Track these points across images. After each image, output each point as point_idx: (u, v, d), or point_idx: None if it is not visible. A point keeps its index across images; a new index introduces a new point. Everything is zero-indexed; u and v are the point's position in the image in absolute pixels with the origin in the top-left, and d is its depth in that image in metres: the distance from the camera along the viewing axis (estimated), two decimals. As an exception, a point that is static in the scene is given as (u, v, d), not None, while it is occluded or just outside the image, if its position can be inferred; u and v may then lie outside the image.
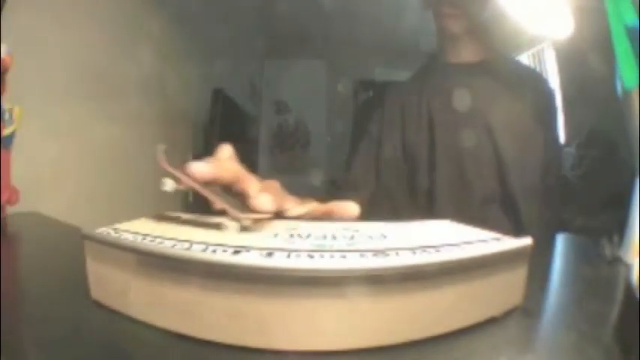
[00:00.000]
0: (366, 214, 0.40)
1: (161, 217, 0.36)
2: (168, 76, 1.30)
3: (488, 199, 0.65)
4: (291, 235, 0.28)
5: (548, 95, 0.75)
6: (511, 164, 0.64)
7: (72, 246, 0.44)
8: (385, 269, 0.22)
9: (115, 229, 0.28)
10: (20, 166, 0.64)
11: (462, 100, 0.67)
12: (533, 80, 0.76)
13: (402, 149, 0.71)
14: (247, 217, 0.30)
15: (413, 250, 0.24)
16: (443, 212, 0.62)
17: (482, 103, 0.67)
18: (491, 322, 0.25)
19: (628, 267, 0.36)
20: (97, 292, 0.27)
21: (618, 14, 0.37)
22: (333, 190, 0.75)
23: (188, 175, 0.34)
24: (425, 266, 0.22)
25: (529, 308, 0.27)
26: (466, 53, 0.73)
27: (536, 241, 0.27)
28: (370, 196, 0.69)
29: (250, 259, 0.22)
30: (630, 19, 0.37)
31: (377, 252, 0.23)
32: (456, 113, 0.67)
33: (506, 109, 0.67)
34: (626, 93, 0.37)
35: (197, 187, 0.34)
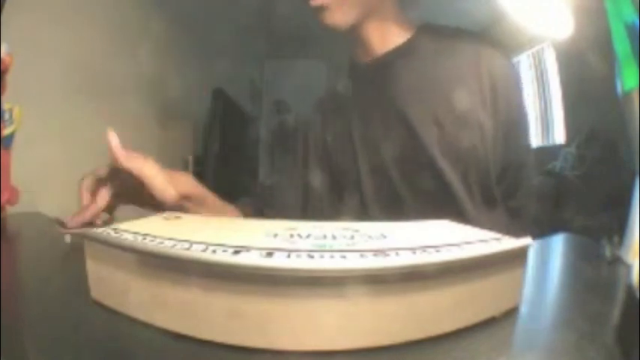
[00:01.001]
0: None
1: (161, 217, 0.36)
2: (169, 76, 1.30)
3: (425, 204, 0.56)
4: (291, 235, 0.28)
5: (507, 82, 0.58)
6: (445, 165, 0.54)
7: (72, 246, 0.44)
8: (385, 269, 0.22)
9: (115, 229, 0.28)
10: (20, 166, 0.64)
11: (374, 104, 0.59)
12: (476, 57, 0.57)
13: (326, 170, 0.63)
14: None
15: (413, 250, 0.24)
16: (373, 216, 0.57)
17: (397, 99, 0.57)
18: (491, 322, 0.25)
19: (628, 267, 0.36)
20: (97, 292, 0.27)
21: (618, 12, 0.37)
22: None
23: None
24: (425, 266, 0.22)
25: (529, 308, 0.27)
26: (376, 43, 0.59)
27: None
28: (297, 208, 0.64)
29: (250, 259, 0.22)
30: (630, 16, 0.37)
31: (377, 252, 0.23)
32: (373, 120, 0.59)
33: (433, 100, 0.56)
34: (626, 93, 0.37)
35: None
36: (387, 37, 0.59)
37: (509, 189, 0.58)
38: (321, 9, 0.54)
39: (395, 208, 0.57)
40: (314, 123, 0.67)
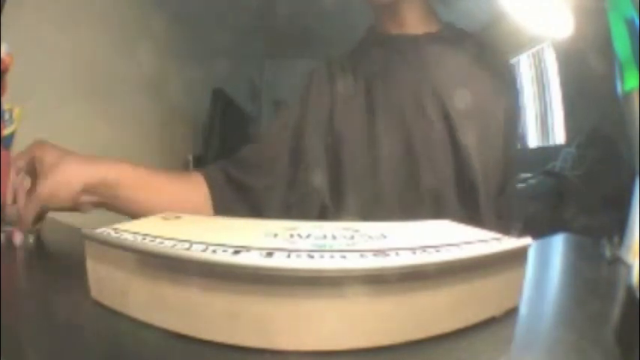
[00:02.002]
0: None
1: (161, 217, 0.36)
2: (169, 76, 1.30)
3: (441, 194, 0.55)
4: (291, 235, 0.28)
5: (511, 85, 0.64)
6: (472, 153, 0.55)
7: (72, 246, 0.44)
8: (385, 269, 0.22)
9: (115, 229, 0.28)
10: (20, 166, 0.64)
11: (406, 78, 0.59)
12: (496, 63, 0.64)
13: (327, 138, 0.58)
14: None
15: (413, 250, 0.24)
16: (387, 213, 0.54)
17: (433, 80, 0.58)
18: (491, 322, 0.25)
19: (628, 267, 0.36)
20: (97, 292, 0.27)
21: (617, 9, 0.37)
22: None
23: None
24: (425, 266, 0.22)
25: (529, 308, 0.27)
26: (410, 23, 0.62)
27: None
28: (269, 188, 0.56)
29: (250, 259, 0.22)
30: (629, 11, 0.37)
31: (377, 252, 0.23)
32: (400, 94, 0.58)
33: (464, 89, 0.57)
34: (627, 93, 0.37)
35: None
36: (422, 20, 0.63)
37: (498, 188, 0.59)
38: None
39: (411, 192, 0.56)
40: (323, 77, 0.62)
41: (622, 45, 0.37)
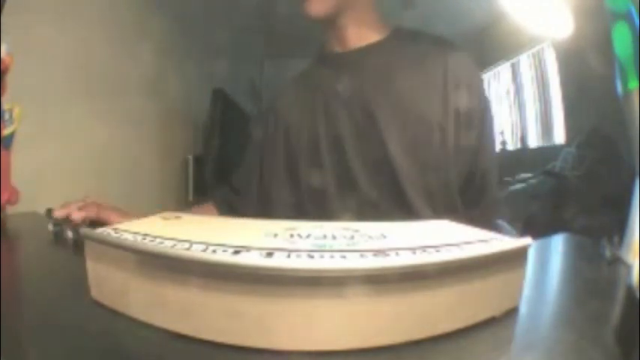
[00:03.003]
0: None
1: (161, 217, 0.36)
2: (169, 75, 1.30)
3: (378, 199, 0.56)
4: (291, 235, 0.28)
5: (472, 87, 0.59)
6: (403, 162, 0.55)
7: (72, 246, 0.44)
8: (385, 269, 0.22)
9: (115, 229, 0.28)
10: (20, 166, 0.64)
11: (341, 94, 0.60)
12: (451, 63, 0.58)
13: (285, 155, 0.63)
14: None
15: (413, 250, 0.24)
16: (336, 216, 0.57)
17: (365, 94, 0.58)
18: (491, 322, 0.25)
19: (628, 267, 0.36)
20: (97, 292, 0.27)
21: (618, 9, 0.37)
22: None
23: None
24: (425, 266, 0.22)
25: (529, 308, 0.27)
26: (351, 37, 0.61)
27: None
28: (254, 202, 0.65)
29: (250, 259, 0.22)
30: (625, 5, 0.37)
31: (377, 252, 0.23)
32: (339, 110, 0.59)
33: (400, 100, 0.57)
34: (627, 93, 0.37)
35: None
36: (362, 33, 0.62)
37: (473, 198, 0.58)
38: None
39: (354, 202, 0.57)
40: (278, 109, 0.67)
41: (623, 46, 0.37)
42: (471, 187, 0.58)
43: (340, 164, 0.58)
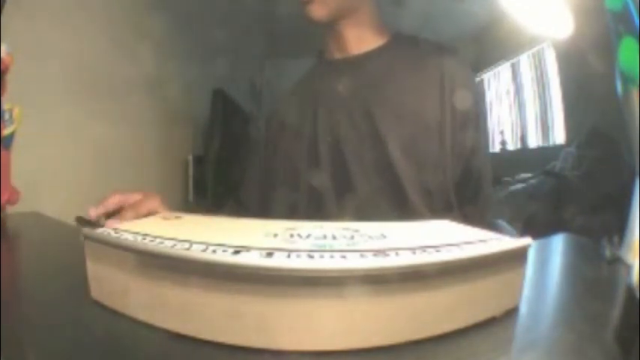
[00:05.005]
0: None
1: (161, 217, 0.36)
2: (169, 76, 1.30)
3: (377, 199, 0.57)
4: (291, 235, 0.28)
5: (466, 90, 0.60)
6: (402, 162, 0.56)
7: (72, 246, 0.44)
8: (385, 269, 0.22)
9: (115, 229, 0.28)
10: (20, 166, 0.64)
11: (341, 99, 0.61)
12: (447, 68, 0.60)
13: (284, 158, 0.65)
14: None
15: (413, 250, 0.24)
16: (335, 216, 0.57)
17: (365, 98, 0.59)
18: (491, 322, 0.25)
19: (628, 267, 0.36)
20: (97, 292, 0.27)
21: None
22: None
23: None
24: (425, 266, 0.22)
25: (529, 308, 0.27)
26: (351, 43, 0.62)
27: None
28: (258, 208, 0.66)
29: (250, 259, 0.22)
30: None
31: (377, 252, 0.23)
32: (339, 115, 0.60)
33: (399, 103, 0.58)
34: (627, 92, 0.37)
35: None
36: (363, 38, 0.63)
37: (468, 196, 0.59)
38: (305, 3, 0.59)
39: (354, 202, 0.57)
40: (279, 113, 0.69)
41: (628, 60, 0.37)
42: (467, 185, 0.59)
43: (340, 166, 0.59)
